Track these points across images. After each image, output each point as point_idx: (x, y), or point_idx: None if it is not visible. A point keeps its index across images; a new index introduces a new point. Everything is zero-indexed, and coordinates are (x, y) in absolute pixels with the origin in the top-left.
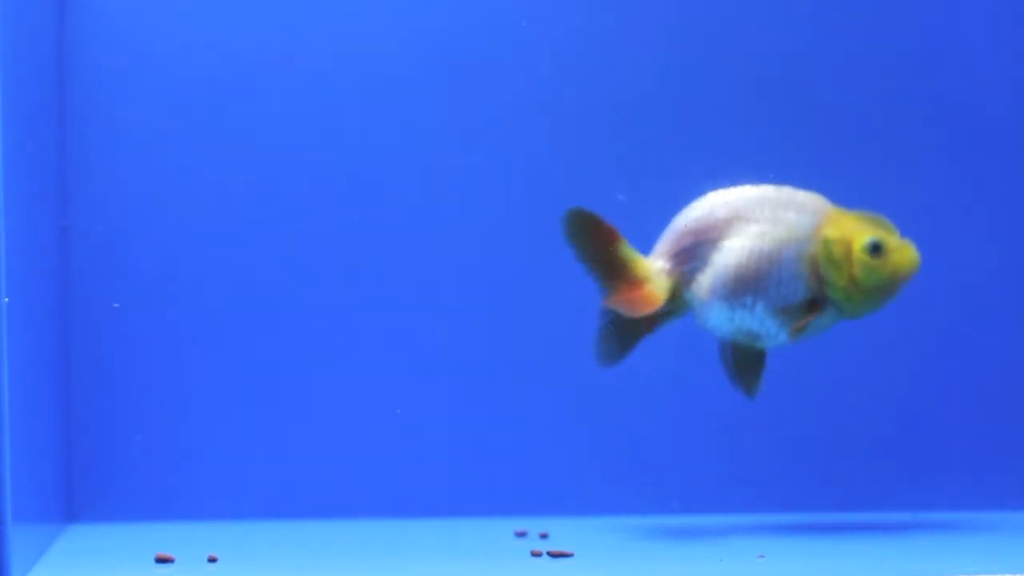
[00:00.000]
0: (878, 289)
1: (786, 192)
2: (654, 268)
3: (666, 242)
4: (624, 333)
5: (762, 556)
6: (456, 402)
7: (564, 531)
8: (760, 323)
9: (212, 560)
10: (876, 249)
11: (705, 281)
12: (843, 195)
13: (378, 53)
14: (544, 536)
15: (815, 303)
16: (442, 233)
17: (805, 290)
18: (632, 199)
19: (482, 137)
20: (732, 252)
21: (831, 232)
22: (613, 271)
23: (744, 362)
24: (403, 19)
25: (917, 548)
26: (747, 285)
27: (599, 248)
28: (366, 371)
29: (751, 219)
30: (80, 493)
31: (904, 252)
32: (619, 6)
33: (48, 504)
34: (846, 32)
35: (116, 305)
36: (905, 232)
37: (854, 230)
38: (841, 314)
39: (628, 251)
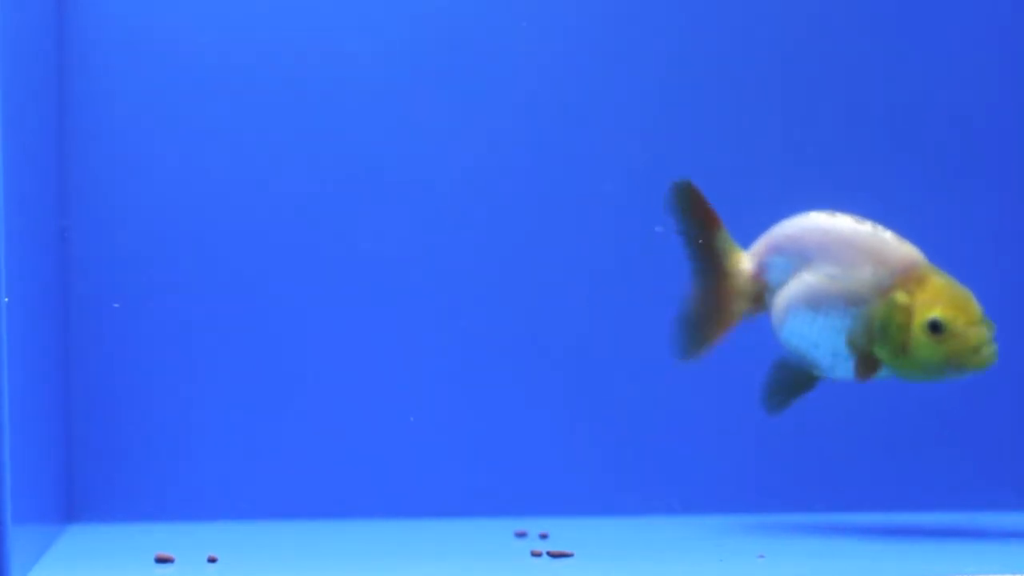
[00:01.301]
0: (931, 368)
1: (879, 237)
2: (743, 266)
3: (760, 245)
4: (702, 328)
5: (762, 556)
6: (456, 402)
7: (564, 531)
8: (825, 352)
9: (212, 560)
10: (936, 328)
11: (785, 294)
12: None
13: (378, 53)
14: (544, 536)
15: (871, 359)
16: (442, 233)
17: (864, 342)
18: (632, 200)
19: (484, 137)
20: (812, 281)
21: (900, 297)
22: (706, 255)
23: (789, 381)
24: (404, 19)
25: (917, 548)
26: (818, 314)
27: (697, 228)
28: (366, 371)
29: (834, 256)
30: (80, 493)
31: (966, 340)
32: (622, 6)
33: (48, 504)
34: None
35: (116, 305)
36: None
37: (924, 301)
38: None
39: (725, 240)
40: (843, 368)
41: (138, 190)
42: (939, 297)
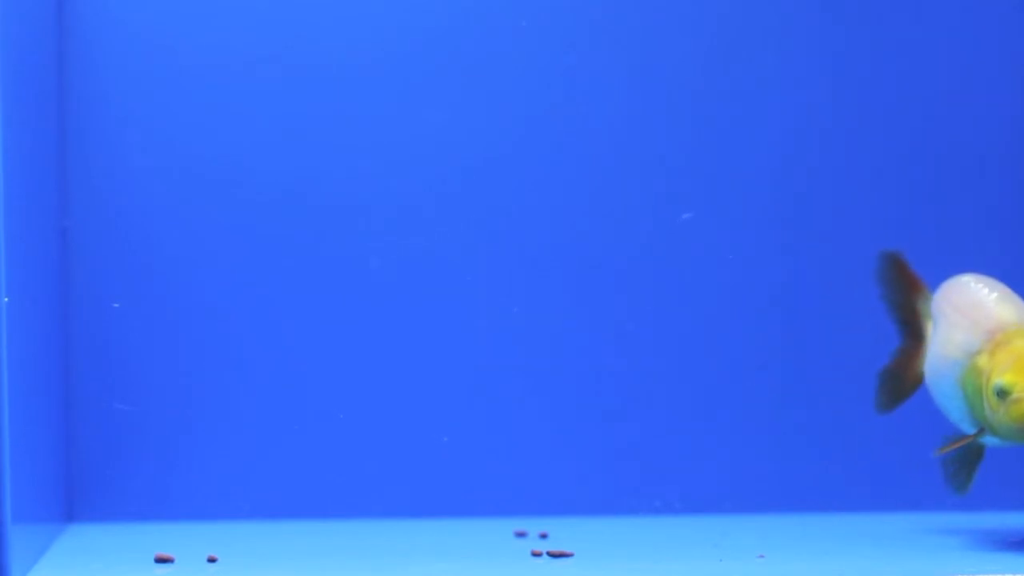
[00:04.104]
0: (1005, 432)
1: (982, 300)
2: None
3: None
4: (900, 383)
5: (762, 556)
6: (456, 402)
7: (564, 531)
8: (956, 414)
9: (212, 560)
10: (1001, 393)
11: (927, 358)
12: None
13: (379, 52)
14: (544, 536)
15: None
16: (442, 235)
17: (960, 410)
18: (633, 200)
19: (486, 137)
20: (935, 343)
21: (982, 361)
22: (908, 320)
23: (961, 456)
24: (405, 18)
25: (917, 548)
26: (937, 376)
27: (902, 295)
28: (366, 371)
29: (947, 319)
30: (80, 493)
31: (1021, 406)
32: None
33: (48, 504)
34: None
35: (116, 305)
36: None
37: (998, 366)
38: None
39: (925, 306)
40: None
41: (138, 190)
42: (1010, 361)
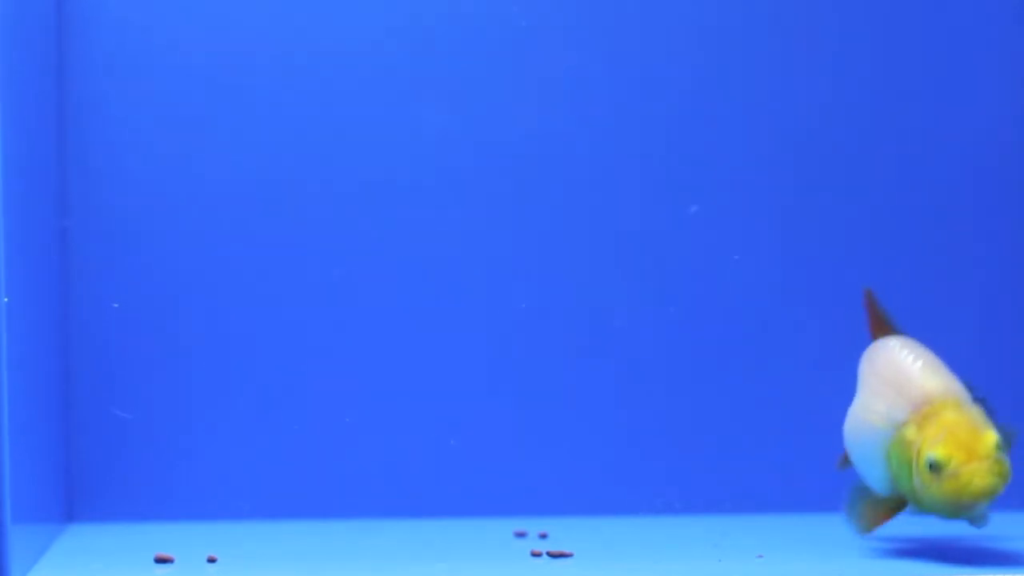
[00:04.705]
0: (937, 507)
1: (907, 369)
2: None
3: None
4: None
5: (761, 556)
6: (456, 402)
7: (564, 531)
8: (874, 479)
9: (212, 560)
10: (933, 468)
11: (848, 416)
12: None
13: (380, 52)
14: (544, 536)
15: (896, 500)
16: (442, 235)
17: (882, 479)
18: (635, 200)
19: (487, 136)
20: (855, 408)
21: (910, 433)
22: None
23: (875, 504)
24: (405, 17)
25: (917, 548)
26: (857, 443)
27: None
28: (366, 371)
29: (871, 386)
30: (80, 493)
31: (959, 481)
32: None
33: (48, 504)
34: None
35: (116, 305)
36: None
37: (929, 438)
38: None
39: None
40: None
41: (138, 190)
42: (942, 434)
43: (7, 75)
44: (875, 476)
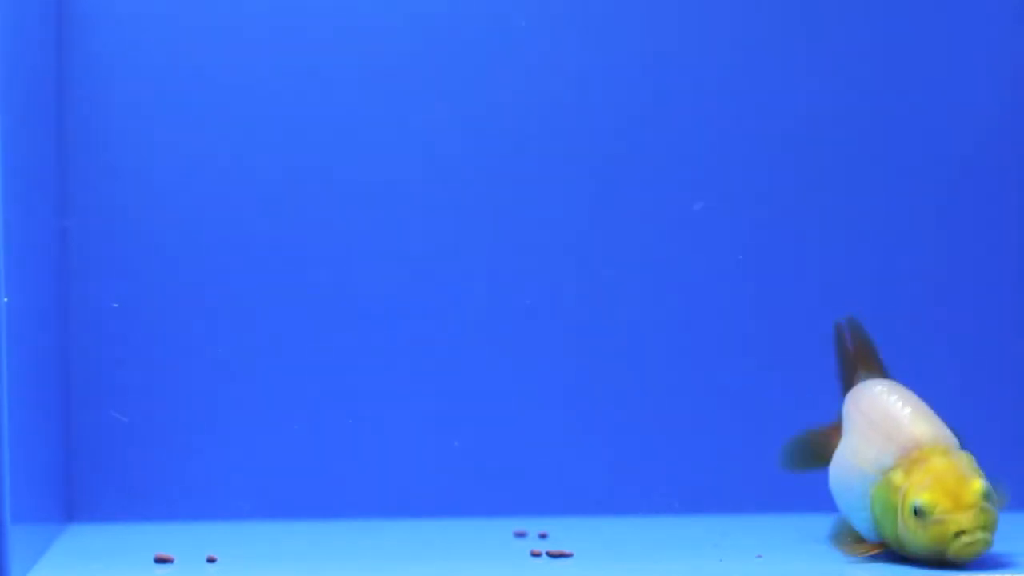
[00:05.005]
0: (920, 552)
1: (895, 414)
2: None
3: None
4: (809, 455)
5: (760, 556)
6: (455, 402)
7: (564, 531)
8: (858, 522)
9: (211, 560)
10: (919, 513)
11: (834, 459)
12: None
13: (381, 51)
14: (544, 536)
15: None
16: (442, 234)
17: (866, 524)
18: (636, 200)
19: (488, 136)
20: (841, 451)
21: (897, 478)
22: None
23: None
24: (406, 17)
25: None
26: (839, 494)
27: (846, 364)
28: (366, 371)
29: (858, 429)
30: (80, 493)
31: (944, 528)
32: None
33: (48, 504)
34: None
35: (116, 305)
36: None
37: (916, 484)
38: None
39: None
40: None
41: (138, 190)
42: (929, 480)
43: (7, 75)
44: (859, 520)
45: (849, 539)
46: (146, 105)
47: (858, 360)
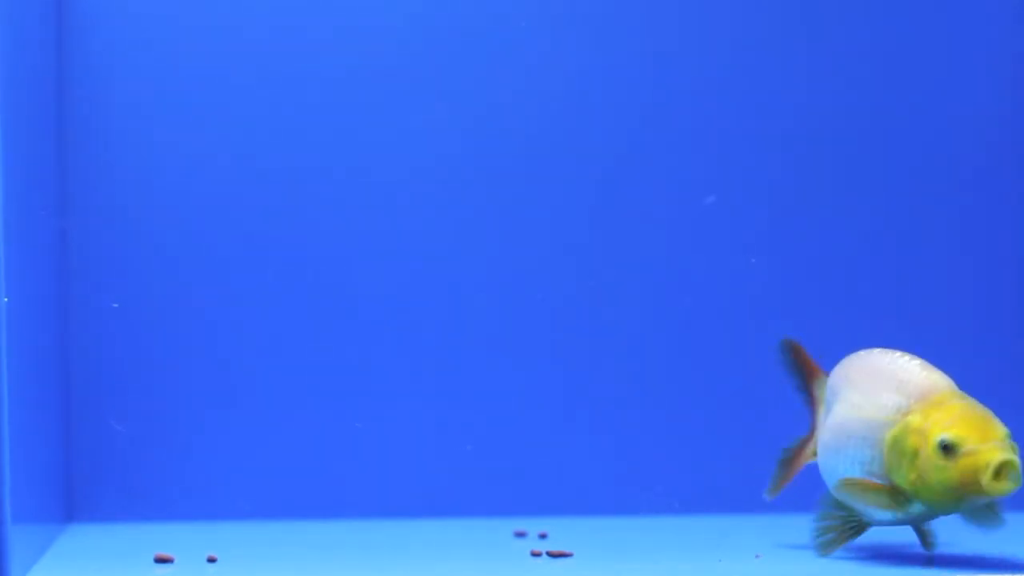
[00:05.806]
0: (947, 491)
1: (903, 366)
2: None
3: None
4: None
5: (759, 556)
6: (455, 402)
7: (564, 531)
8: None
9: (212, 560)
10: (946, 448)
11: (820, 434)
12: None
13: (381, 51)
14: (544, 536)
15: (895, 490)
16: (442, 234)
17: (883, 471)
18: (637, 200)
19: (489, 136)
20: (838, 413)
21: (915, 420)
22: (812, 406)
23: (837, 524)
24: (406, 17)
25: (916, 548)
26: (842, 447)
27: (802, 380)
28: (366, 371)
29: (859, 386)
30: (80, 493)
31: (978, 458)
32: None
33: (48, 504)
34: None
35: (115, 305)
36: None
37: (937, 422)
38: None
39: (820, 391)
40: (879, 515)
41: (138, 190)
42: (953, 418)
43: (7, 75)
44: (866, 473)
45: (857, 486)
46: (146, 105)
47: (811, 370)
